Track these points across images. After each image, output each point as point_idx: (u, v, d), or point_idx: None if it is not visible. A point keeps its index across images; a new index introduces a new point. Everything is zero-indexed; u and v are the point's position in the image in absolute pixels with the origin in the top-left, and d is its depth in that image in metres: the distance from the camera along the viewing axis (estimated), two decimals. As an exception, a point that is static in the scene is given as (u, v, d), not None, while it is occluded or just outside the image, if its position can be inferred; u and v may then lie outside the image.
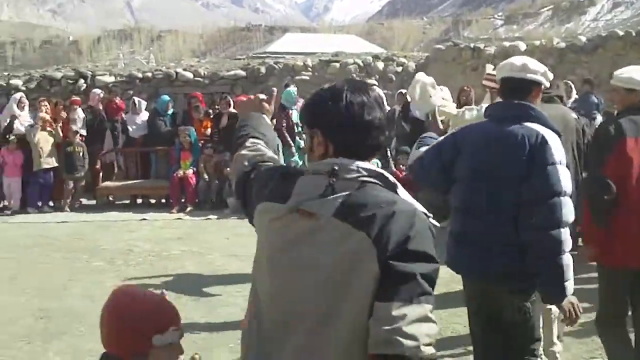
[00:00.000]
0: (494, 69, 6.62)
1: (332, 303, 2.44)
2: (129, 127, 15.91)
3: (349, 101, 2.56)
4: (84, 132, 15.72)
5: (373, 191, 2.49)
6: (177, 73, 19.18)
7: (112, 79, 19.07)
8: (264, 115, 3.29)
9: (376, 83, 16.92)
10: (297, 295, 2.52)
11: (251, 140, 3.08)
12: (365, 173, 2.52)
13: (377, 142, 2.60)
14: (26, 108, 15.67)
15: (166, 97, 16.14)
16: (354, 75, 18.69)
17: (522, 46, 17.79)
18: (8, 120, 15.21)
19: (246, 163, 2.95)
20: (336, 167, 2.50)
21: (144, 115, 16.12)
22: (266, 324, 2.62)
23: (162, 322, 2.70)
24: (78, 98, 16.52)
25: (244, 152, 3.02)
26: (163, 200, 15.54)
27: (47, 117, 15.09)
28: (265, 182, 2.75)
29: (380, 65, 19.49)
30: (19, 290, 9.45)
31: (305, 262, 2.49)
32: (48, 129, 14.98)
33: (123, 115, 16.29)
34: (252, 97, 3.40)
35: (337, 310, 2.43)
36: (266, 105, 3.33)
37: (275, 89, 3.74)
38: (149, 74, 19.35)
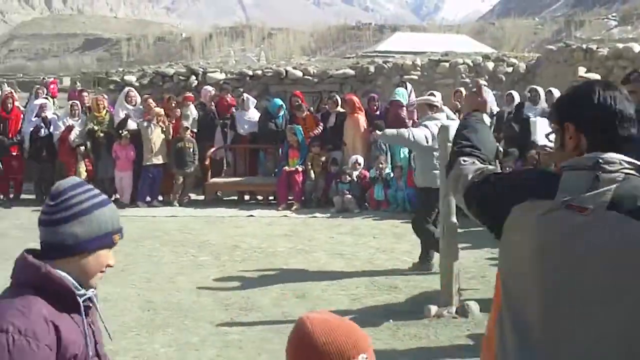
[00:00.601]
0: (586, 72, 6.51)
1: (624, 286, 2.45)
2: (238, 124, 16.02)
3: (601, 95, 2.64)
4: (195, 128, 15.94)
5: (637, 182, 2.53)
6: (286, 71, 19.29)
7: (222, 76, 19.29)
8: (484, 115, 3.40)
9: (485, 83, 16.67)
10: (583, 285, 2.51)
11: (467, 157, 3.11)
12: (627, 165, 2.57)
13: (629, 133, 2.64)
14: (136, 102, 15.94)
15: (279, 101, 16.12)
16: (463, 76, 18.48)
17: (637, 47, 17.27)
18: (122, 116, 15.52)
19: (472, 175, 2.96)
20: (600, 161, 2.55)
21: (253, 112, 16.21)
22: (539, 324, 2.59)
23: (360, 347, 2.57)
24: (191, 95, 16.74)
25: (466, 166, 3.05)
26: (270, 198, 15.63)
27: (162, 112, 15.35)
28: (519, 183, 2.79)
29: (490, 65, 19.21)
30: (128, 283, 9.65)
31: (586, 254, 2.49)
32: (160, 124, 15.23)
33: (233, 112, 16.43)
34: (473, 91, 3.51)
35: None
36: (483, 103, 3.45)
37: (480, 81, 3.82)
38: (259, 72, 19.50)
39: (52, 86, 19.96)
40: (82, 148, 15.43)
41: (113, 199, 15.76)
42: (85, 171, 15.32)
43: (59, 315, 2.59)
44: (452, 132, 9.12)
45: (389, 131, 10.71)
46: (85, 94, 17.80)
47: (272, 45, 51.43)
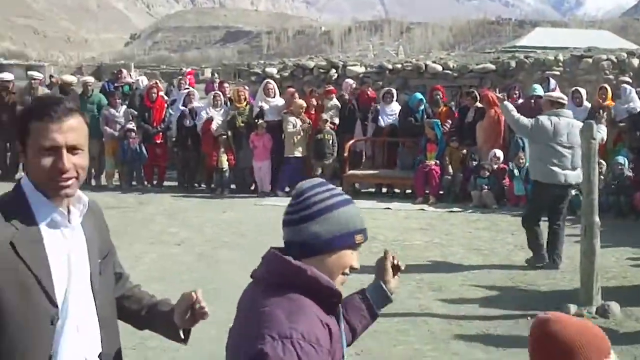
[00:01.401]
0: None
1: None
2: (380, 117, 16.03)
3: None
4: (336, 120, 16.06)
5: None
6: (426, 65, 19.20)
7: (362, 69, 19.38)
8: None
9: (629, 80, 16.20)
10: None
11: None
12: None
13: None
14: (275, 94, 16.16)
15: (418, 95, 16.06)
16: (607, 72, 17.98)
17: None
18: (260, 107, 15.80)
19: None
20: None
21: (395, 106, 16.18)
22: None
23: (608, 348, 2.46)
24: (333, 87, 16.87)
25: None
26: (408, 191, 15.61)
27: (304, 104, 15.54)
28: None
29: (636, 62, 18.58)
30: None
31: None
32: (301, 117, 15.42)
33: (374, 105, 16.47)
34: None
35: None
36: None
37: None
38: (399, 66, 19.50)
39: (188, 77, 20.41)
40: (224, 138, 15.77)
41: (252, 188, 16.11)
42: (227, 160, 15.68)
43: (328, 317, 2.53)
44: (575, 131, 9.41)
45: (507, 103, 10.63)
46: (226, 85, 18.20)
47: (410, 39, 51.22)
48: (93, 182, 16.75)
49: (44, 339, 2.53)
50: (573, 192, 10.60)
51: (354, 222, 2.71)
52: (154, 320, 3.02)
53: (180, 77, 20.03)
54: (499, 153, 14.63)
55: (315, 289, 2.50)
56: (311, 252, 2.59)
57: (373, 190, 16.14)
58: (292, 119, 15.38)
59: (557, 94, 11.24)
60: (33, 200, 2.57)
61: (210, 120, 15.76)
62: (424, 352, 7.07)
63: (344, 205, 2.69)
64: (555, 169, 9.73)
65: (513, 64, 18.82)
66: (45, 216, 2.58)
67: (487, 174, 14.46)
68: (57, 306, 2.54)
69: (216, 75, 29.05)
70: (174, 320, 2.89)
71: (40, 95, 2.49)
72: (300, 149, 15.46)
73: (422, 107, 15.76)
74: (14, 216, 2.52)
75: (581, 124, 9.23)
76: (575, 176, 9.66)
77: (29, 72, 18.39)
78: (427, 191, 14.98)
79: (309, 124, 15.54)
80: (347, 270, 2.67)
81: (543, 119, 9.93)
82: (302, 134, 15.47)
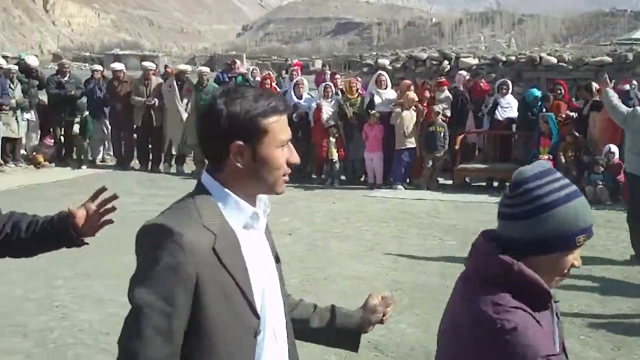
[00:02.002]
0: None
1: None
2: (496, 110, 15.83)
3: None
4: (448, 112, 15.95)
5: None
6: (540, 57, 18.89)
7: (475, 61, 19.22)
8: None
9: None
10: None
11: None
12: None
13: None
14: (387, 86, 16.13)
15: (536, 91, 15.80)
16: None
17: None
18: (372, 98, 15.80)
19: None
20: None
21: (510, 98, 15.94)
22: None
23: None
24: (445, 79, 16.76)
25: None
26: (519, 185, 15.35)
27: (415, 97, 15.47)
28: None
29: None
30: (376, 262, 9.85)
31: None
32: (413, 108, 15.36)
33: (487, 97, 16.29)
34: None
35: None
36: None
37: None
38: (512, 58, 19.26)
39: (295, 68, 20.57)
40: (334, 129, 15.83)
41: (362, 179, 16.15)
42: (337, 152, 15.74)
43: (539, 315, 2.32)
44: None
45: (609, 89, 10.28)
46: (338, 76, 18.27)
47: (522, 31, 50.44)
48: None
49: (248, 354, 2.41)
50: None
51: (580, 220, 2.33)
52: (319, 329, 2.88)
53: (293, 68, 20.18)
54: (614, 148, 14.27)
55: (523, 287, 2.30)
56: (530, 251, 2.32)
57: (484, 184, 15.94)
58: (403, 110, 15.31)
59: None
60: (223, 201, 2.39)
61: (319, 109, 15.83)
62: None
63: (570, 200, 2.32)
64: None
65: (630, 56, 18.36)
66: (238, 218, 2.41)
67: (602, 169, 14.16)
68: (259, 317, 2.42)
69: (326, 66, 29.17)
70: (345, 327, 2.85)
71: (257, 88, 2.38)
72: (412, 139, 15.37)
73: (539, 103, 15.49)
74: (208, 220, 2.33)
75: None
76: None
77: (143, 63, 18.81)
78: (539, 186, 14.69)
79: (420, 111, 15.42)
80: (566, 271, 2.40)
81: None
82: (413, 125, 15.39)
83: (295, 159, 2.44)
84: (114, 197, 3.21)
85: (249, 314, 2.37)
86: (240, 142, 2.32)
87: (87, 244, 3.30)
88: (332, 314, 2.87)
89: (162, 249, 2.21)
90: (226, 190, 2.38)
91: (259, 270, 2.43)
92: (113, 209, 3.22)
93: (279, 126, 2.35)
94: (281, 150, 2.37)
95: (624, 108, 9.97)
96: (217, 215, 2.34)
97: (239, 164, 2.33)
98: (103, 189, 3.23)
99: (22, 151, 17.66)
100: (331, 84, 16.62)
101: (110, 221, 3.28)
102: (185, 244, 2.21)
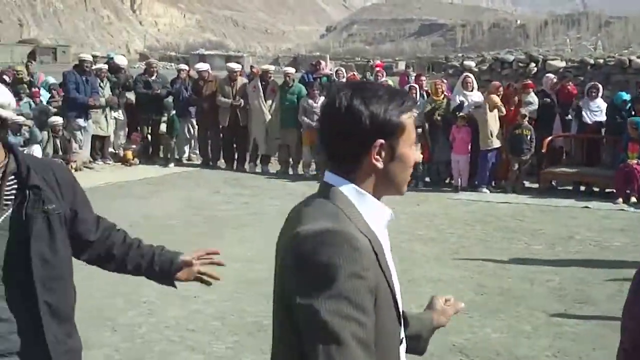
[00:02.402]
0: None
1: None
2: (584, 114, 15.58)
3: None
4: (534, 116, 15.74)
5: None
6: (630, 60, 18.52)
7: (562, 64, 18.93)
8: None
9: None
10: None
11: None
12: None
13: None
14: (473, 88, 15.99)
15: (624, 95, 15.50)
16: None
17: None
18: (459, 101, 15.69)
19: None
20: None
21: (600, 102, 15.64)
22: None
23: None
24: (531, 82, 16.55)
25: None
26: (607, 190, 15.10)
27: (497, 100, 15.31)
28: None
29: None
30: (461, 265, 9.79)
31: None
32: (497, 111, 15.21)
33: (575, 100, 16.04)
34: None
35: None
36: None
37: None
38: (601, 61, 18.92)
39: (377, 69, 20.53)
40: (420, 130, 15.77)
41: (447, 181, 16.06)
42: (421, 154, 15.65)
43: None
44: None
45: None
46: (423, 78, 18.21)
47: (608, 33, 49.71)
48: (290, 171, 17.21)
49: None
50: None
51: None
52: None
53: (377, 69, 20.18)
54: None
55: None
56: None
57: (570, 188, 15.70)
58: (487, 112, 15.17)
59: None
60: (360, 203, 2.28)
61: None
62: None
63: None
64: None
65: None
66: (378, 221, 2.32)
67: None
68: (401, 324, 2.36)
69: (410, 67, 29.10)
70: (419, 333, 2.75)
71: (381, 85, 2.29)
72: (496, 141, 15.20)
73: (627, 106, 15.20)
74: (358, 223, 2.22)
75: None
76: None
77: (229, 64, 18.98)
78: (627, 191, 14.44)
79: (503, 112, 15.28)
80: None
81: None
82: (497, 128, 15.23)
83: (419, 157, 2.38)
84: (215, 252, 3.47)
85: (397, 321, 2.31)
86: (382, 141, 2.24)
87: (176, 287, 3.63)
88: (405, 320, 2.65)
89: (341, 256, 2.06)
90: (362, 191, 2.29)
91: (395, 274, 2.34)
92: (218, 263, 3.50)
93: (412, 123, 2.32)
94: (413, 148, 2.33)
95: None
96: (361, 219, 2.23)
97: (378, 163, 2.25)
98: (214, 252, 3.49)
99: (110, 149, 18.03)
100: (416, 86, 16.58)
101: (208, 283, 3.58)
102: (361, 248, 2.10)
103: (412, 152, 2.31)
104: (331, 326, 1.99)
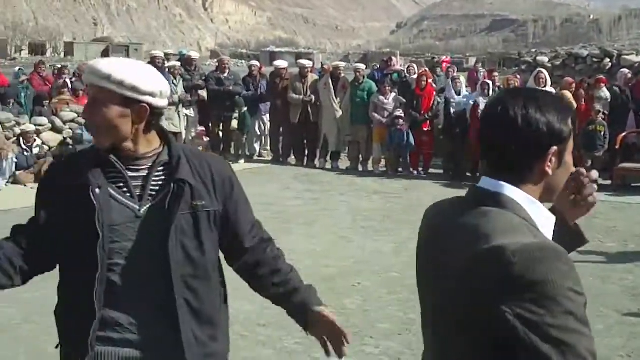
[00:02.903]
0: None
1: None
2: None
3: None
4: (607, 111, 15.50)
5: None
6: None
7: (638, 59, 18.62)
8: None
9: None
10: None
11: None
12: None
13: None
14: (546, 84, 15.79)
15: None
16: None
17: None
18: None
19: None
20: None
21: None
22: None
23: None
24: (604, 77, 16.31)
25: None
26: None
27: (569, 95, 15.11)
28: None
29: None
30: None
31: None
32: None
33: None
34: None
35: None
36: None
37: None
38: (678, 55, 18.58)
39: (444, 64, 20.41)
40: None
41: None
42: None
43: None
44: None
45: None
46: (495, 73, 18.06)
47: (686, 27, 48.47)
48: (360, 168, 17.20)
49: None
50: None
51: None
52: None
53: (449, 65, 20.06)
54: None
55: None
56: None
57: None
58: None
59: None
60: (533, 213, 2.21)
61: (477, 106, 15.69)
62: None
63: None
64: None
65: None
66: (547, 228, 2.27)
67: None
68: None
69: (480, 63, 28.87)
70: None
71: (535, 89, 2.27)
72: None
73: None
74: (541, 237, 2.14)
75: None
76: None
77: (300, 61, 19.00)
78: None
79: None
80: None
81: None
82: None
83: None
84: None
85: None
86: (556, 148, 2.21)
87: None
88: None
89: (570, 278, 2.00)
90: (534, 200, 2.24)
91: None
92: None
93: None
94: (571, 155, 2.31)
95: None
96: (539, 231, 2.15)
97: (549, 170, 2.22)
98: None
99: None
100: (489, 82, 16.45)
101: (327, 351, 3.21)
102: (570, 261, 2.03)
103: (571, 159, 2.29)
104: (567, 341, 1.95)
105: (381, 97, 16.57)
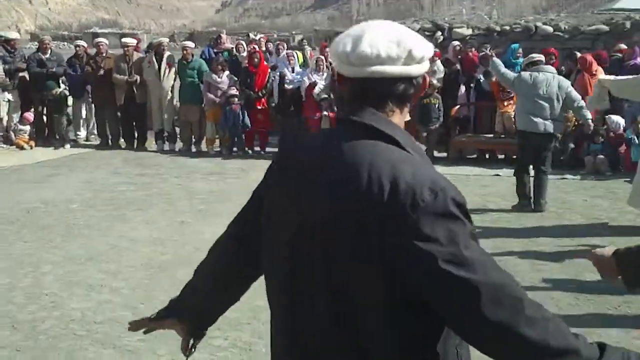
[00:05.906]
0: None
1: None
2: (481, 81, 15.48)
3: None
4: (440, 84, 15.55)
5: None
6: (536, 27, 18.54)
7: (469, 31, 18.86)
8: None
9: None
10: None
11: None
12: None
13: None
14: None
15: (516, 45, 16.00)
16: None
17: None
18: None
19: None
20: None
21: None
22: None
23: None
24: (438, 50, 16.34)
25: None
26: (514, 157, 15.01)
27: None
28: None
29: None
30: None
31: None
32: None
33: (476, 68, 15.91)
34: None
35: None
36: None
37: None
38: (507, 27, 18.90)
39: (263, 41, 20.22)
40: (326, 103, 15.47)
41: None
42: (330, 126, 15.39)
43: None
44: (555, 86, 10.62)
45: (496, 59, 12.02)
46: (328, 49, 17.88)
47: (502, 3, 50.49)
48: (193, 149, 16.65)
49: None
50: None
51: None
52: None
53: (278, 42, 19.77)
54: (616, 118, 14.10)
55: None
56: None
57: (475, 156, 15.60)
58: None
59: (537, 55, 11.64)
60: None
61: (313, 85, 15.49)
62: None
63: None
64: (536, 119, 10.65)
65: (628, 24, 17.99)
66: None
67: (601, 140, 13.90)
68: None
69: (305, 41, 28.90)
70: None
71: None
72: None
73: (520, 60, 15.13)
74: None
75: (561, 78, 11.05)
76: (554, 126, 10.72)
77: (123, 39, 18.08)
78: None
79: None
80: None
81: (524, 74, 11.00)
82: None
83: None
84: None
85: None
86: None
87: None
88: None
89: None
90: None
91: None
92: None
93: None
94: None
95: (510, 74, 11.29)
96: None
97: None
98: None
99: (1, 132, 17.07)
100: (323, 57, 16.26)
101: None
102: None
103: None
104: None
105: (214, 76, 16.05)
